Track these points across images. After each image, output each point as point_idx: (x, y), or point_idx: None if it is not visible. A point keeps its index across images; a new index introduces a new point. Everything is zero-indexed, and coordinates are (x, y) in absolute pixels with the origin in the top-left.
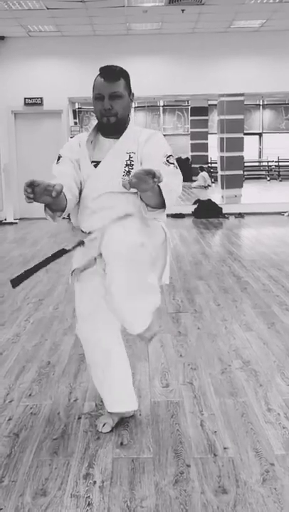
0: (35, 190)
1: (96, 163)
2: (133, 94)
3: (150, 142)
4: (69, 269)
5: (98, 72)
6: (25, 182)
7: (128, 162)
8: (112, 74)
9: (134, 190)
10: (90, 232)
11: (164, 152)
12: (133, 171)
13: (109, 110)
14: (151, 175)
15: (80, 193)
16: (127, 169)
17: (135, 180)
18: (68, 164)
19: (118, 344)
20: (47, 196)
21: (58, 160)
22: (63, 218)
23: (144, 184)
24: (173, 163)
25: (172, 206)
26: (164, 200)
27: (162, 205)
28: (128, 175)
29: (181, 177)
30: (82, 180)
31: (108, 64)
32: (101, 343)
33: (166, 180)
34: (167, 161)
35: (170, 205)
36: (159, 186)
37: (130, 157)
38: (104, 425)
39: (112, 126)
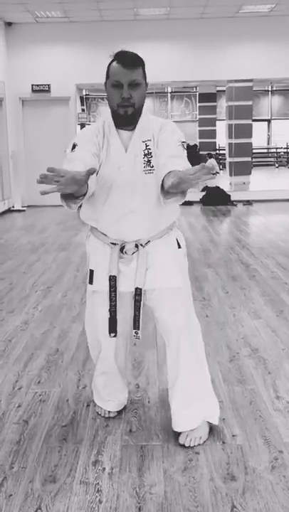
0: (60, 181)
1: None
2: (148, 83)
3: (165, 129)
4: (88, 270)
5: (113, 58)
6: (48, 169)
7: (146, 151)
8: (131, 60)
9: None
10: (122, 245)
11: (179, 138)
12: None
13: (128, 99)
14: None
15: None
16: (146, 159)
17: (178, 183)
18: (86, 152)
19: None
20: (74, 185)
21: (73, 148)
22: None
23: (188, 185)
24: (186, 150)
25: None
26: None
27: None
28: (148, 164)
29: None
30: (103, 176)
31: (118, 49)
32: (112, 360)
33: (185, 165)
34: (182, 145)
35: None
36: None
37: (147, 146)
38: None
39: (129, 117)
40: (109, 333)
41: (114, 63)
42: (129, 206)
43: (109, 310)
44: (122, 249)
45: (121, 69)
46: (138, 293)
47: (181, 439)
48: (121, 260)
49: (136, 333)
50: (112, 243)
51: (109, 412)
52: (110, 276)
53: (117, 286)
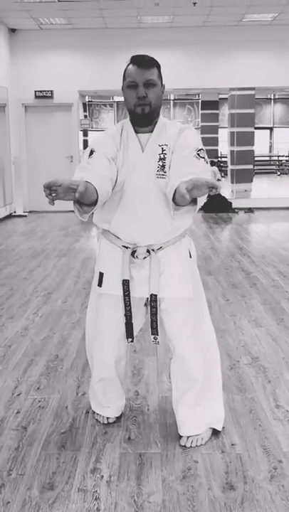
0: (57, 191)
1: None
2: (164, 85)
3: (183, 135)
4: (97, 272)
5: (128, 62)
6: (43, 184)
7: (161, 156)
8: (146, 61)
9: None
10: (134, 249)
11: (196, 145)
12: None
13: (143, 98)
14: (210, 187)
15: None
16: (160, 163)
17: (192, 188)
18: (103, 159)
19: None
20: (72, 193)
21: (91, 154)
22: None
23: (199, 192)
24: (204, 158)
25: (201, 203)
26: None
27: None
28: (162, 169)
29: (211, 172)
30: (118, 178)
31: (124, 56)
32: (112, 366)
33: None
34: (198, 154)
35: (201, 202)
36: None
37: (163, 150)
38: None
39: (146, 116)
40: (127, 338)
41: (130, 66)
42: (142, 210)
43: (125, 315)
44: (133, 253)
45: (136, 69)
46: (153, 299)
47: (183, 441)
48: (132, 265)
49: (155, 338)
50: (124, 246)
51: (108, 418)
52: (123, 281)
53: (130, 291)
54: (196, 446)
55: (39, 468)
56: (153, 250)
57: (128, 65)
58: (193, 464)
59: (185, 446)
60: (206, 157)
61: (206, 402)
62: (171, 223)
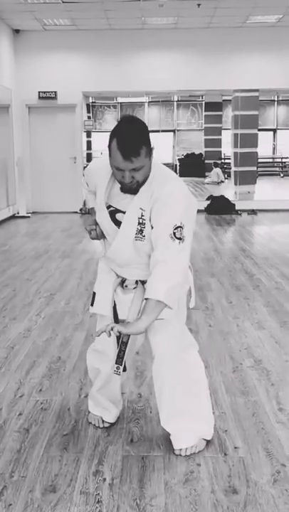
0: (96, 230)
1: (110, 208)
2: (153, 148)
3: (162, 205)
4: (92, 294)
5: (113, 135)
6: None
7: (140, 220)
8: (132, 151)
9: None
10: (123, 280)
11: (174, 222)
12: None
13: (130, 182)
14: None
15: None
16: (139, 228)
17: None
18: (90, 194)
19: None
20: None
21: (86, 185)
22: (82, 212)
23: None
24: (180, 238)
25: (175, 297)
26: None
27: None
28: (140, 233)
29: (184, 256)
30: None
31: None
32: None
33: (161, 279)
34: (174, 233)
35: (173, 302)
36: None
37: (142, 215)
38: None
39: (134, 191)
40: (115, 363)
41: (115, 146)
42: (124, 260)
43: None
44: (124, 282)
45: (121, 159)
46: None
47: (177, 451)
48: (123, 290)
49: (117, 368)
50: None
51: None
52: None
53: (118, 315)
54: (192, 454)
55: (41, 471)
56: (142, 282)
57: (113, 143)
58: (195, 467)
59: (180, 454)
60: (183, 233)
61: (197, 416)
62: None
